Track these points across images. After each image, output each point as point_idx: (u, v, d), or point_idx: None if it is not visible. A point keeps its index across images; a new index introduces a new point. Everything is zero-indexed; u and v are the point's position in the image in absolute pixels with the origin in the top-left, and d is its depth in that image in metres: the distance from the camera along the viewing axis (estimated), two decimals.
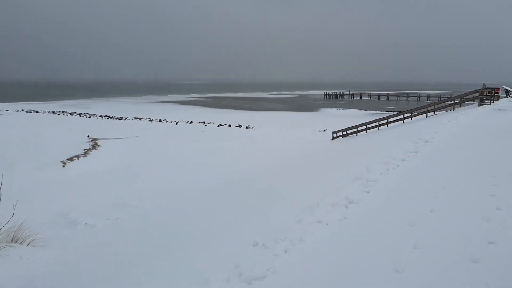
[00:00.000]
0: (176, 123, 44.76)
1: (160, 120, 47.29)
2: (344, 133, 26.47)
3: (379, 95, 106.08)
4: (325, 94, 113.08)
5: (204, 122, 44.86)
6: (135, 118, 49.65)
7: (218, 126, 41.84)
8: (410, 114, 25.18)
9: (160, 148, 27.34)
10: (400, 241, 4.89)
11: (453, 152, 9.70)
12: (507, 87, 38.10)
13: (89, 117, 52.13)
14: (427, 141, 11.61)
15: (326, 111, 67.73)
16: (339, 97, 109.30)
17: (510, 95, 35.59)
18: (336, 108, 72.81)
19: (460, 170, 7.86)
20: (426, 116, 24.32)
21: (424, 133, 13.53)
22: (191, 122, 45.15)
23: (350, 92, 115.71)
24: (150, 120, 47.68)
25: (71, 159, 24.05)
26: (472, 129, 13.48)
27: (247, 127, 40.30)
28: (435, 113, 24.80)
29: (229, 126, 41.61)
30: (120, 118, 49.77)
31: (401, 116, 25.08)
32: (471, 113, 19.09)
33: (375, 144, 16.77)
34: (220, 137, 32.48)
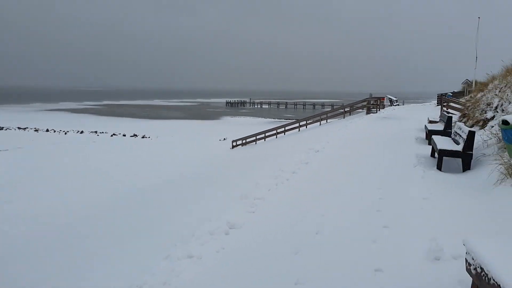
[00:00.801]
0: (65, 133, 41.02)
1: (47, 130, 43.04)
2: (244, 141, 26.22)
3: (278, 103, 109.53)
4: (227, 102, 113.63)
5: (96, 132, 41.64)
6: (19, 128, 44.66)
7: (112, 136, 39.03)
8: (305, 122, 25.92)
9: (43, 163, 24.31)
10: (281, 275, 4.23)
11: (342, 163, 9.55)
12: (391, 96, 41.69)
13: None
14: (318, 151, 11.45)
15: (228, 119, 67.67)
16: (241, 105, 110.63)
17: (394, 104, 38.88)
18: (237, 116, 73.20)
19: (348, 182, 7.60)
20: (320, 124, 25.15)
21: (316, 142, 13.49)
22: (82, 132, 41.64)
23: (252, 100, 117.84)
24: (36, 130, 43.19)
25: None
26: (360, 137, 13.78)
27: (143, 137, 38.18)
28: (328, 121, 25.79)
29: (124, 135, 39.07)
30: (1, 128, 44.22)
31: (297, 124, 25.66)
32: (359, 121, 19.91)
33: (270, 154, 16.49)
34: (111, 149, 30.08)
